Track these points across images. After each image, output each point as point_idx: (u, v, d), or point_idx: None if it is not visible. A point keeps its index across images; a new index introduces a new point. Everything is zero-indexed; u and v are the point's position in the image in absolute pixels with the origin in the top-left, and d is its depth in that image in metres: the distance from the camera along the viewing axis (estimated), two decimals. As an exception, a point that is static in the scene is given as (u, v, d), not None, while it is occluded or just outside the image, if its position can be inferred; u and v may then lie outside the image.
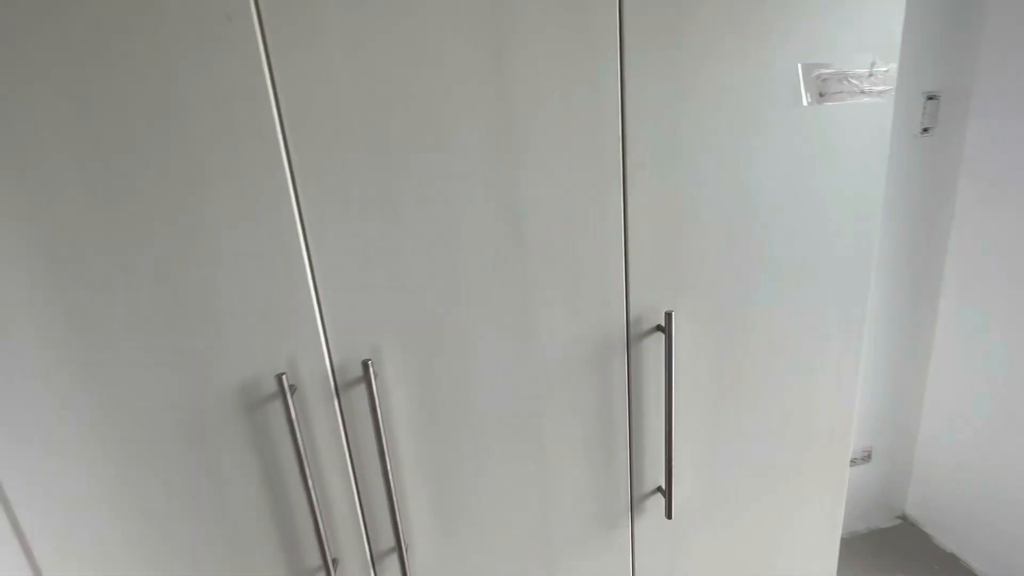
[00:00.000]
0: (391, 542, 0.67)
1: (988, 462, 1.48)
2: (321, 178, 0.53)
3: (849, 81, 0.62)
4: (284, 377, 0.56)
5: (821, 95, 0.62)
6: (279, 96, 0.50)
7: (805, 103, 0.62)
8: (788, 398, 0.75)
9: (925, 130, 1.40)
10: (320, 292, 0.56)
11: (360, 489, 0.64)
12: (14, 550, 0.58)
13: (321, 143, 0.52)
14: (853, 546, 1.71)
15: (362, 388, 0.60)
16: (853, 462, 1.69)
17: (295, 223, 0.54)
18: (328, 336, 0.58)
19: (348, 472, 0.63)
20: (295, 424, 0.57)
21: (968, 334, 1.48)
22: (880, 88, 0.63)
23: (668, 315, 0.64)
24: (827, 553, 0.86)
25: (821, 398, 0.77)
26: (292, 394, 0.57)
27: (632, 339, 0.67)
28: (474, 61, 0.53)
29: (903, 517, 1.80)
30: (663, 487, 0.72)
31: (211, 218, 0.52)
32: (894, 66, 0.63)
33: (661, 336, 0.66)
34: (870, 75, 0.62)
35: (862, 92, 0.63)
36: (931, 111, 1.38)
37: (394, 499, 0.62)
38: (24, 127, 0.47)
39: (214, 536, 0.62)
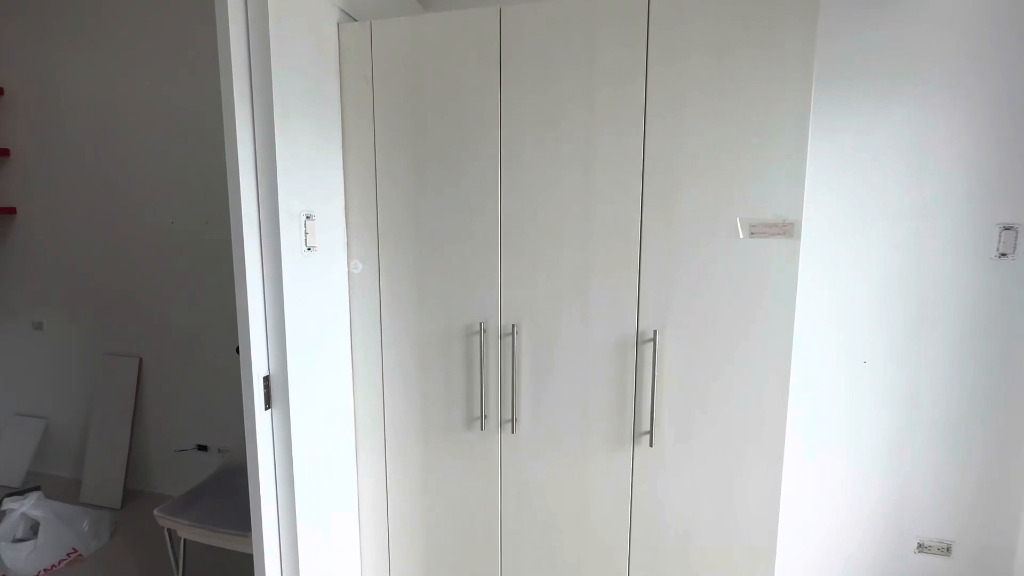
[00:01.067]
0: (510, 414, 1.43)
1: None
2: (510, 246, 1.37)
3: (767, 226, 1.21)
4: (481, 324, 1.39)
5: (753, 233, 1.22)
6: (503, 204, 1.36)
7: (741, 236, 1.23)
8: (731, 380, 1.28)
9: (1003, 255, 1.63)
10: (502, 291, 1.39)
11: (502, 384, 1.43)
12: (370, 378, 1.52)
13: (512, 228, 1.36)
14: (923, 634, 1.77)
15: (513, 337, 1.40)
16: (922, 549, 1.79)
17: (497, 262, 1.38)
18: (502, 311, 1.40)
19: (498, 374, 1.42)
20: (482, 347, 1.40)
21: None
22: (786, 229, 1.20)
23: (655, 332, 1.28)
24: (769, 477, 1.30)
25: (755, 380, 1.27)
26: (484, 332, 1.40)
27: (639, 343, 1.32)
28: (578, 189, 1.31)
29: (1002, 635, 1.77)
30: (650, 429, 1.33)
31: (470, 250, 1.39)
32: (799, 217, 1.19)
33: (652, 344, 1.31)
34: (782, 223, 1.20)
35: (778, 233, 1.21)
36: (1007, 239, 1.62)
37: (515, 393, 1.39)
38: (420, 139, 1.41)
39: (443, 386, 1.47)
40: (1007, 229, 1.63)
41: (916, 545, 1.81)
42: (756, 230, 1.22)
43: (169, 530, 1.69)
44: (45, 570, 2.01)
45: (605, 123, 1.27)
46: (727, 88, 1.20)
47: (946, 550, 1.78)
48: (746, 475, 1.30)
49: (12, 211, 2.66)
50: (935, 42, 1.60)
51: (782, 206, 1.20)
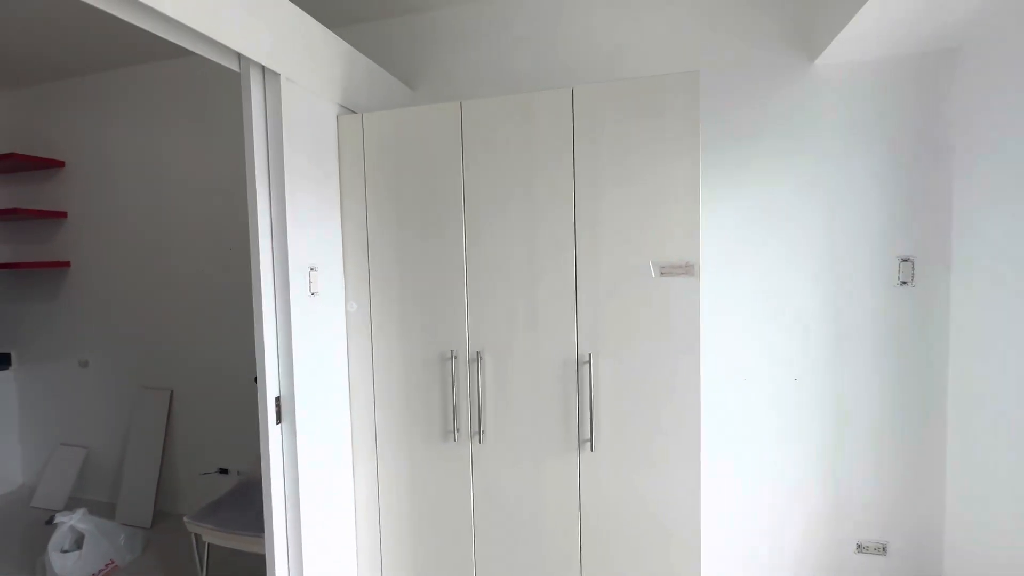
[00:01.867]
0: (477, 427, 1.71)
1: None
2: (474, 290, 1.69)
3: (673, 267, 1.51)
4: (452, 352, 1.70)
5: (662, 273, 1.53)
6: (467, 257, 1.69)
7: (653, 276, 1.53)
8: (655, 396, 1.55)
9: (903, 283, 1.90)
10: (468, 326, 1.70)
11: (471, 401, 1.72)
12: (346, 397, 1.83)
13: (475, 276, 1.68)
14: (866, 630, 1.94)
15: (477, 363, 1.70)
16: (861, 549, 1.99)
17: (463, 302, 1.70)
18: (469, 341, 1.71)
19: (467, 393, 1.72)
20: (453, 371, 1.70)
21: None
22: (688, 270, 1.50)
23: (590, 355, 1.58)
24: (688, 474, 1.54)
25: (672, 393, 1.54)
26: (454, 359, 1.71)
27: (579, 364, 1.61)
28: (526, 244, 1.63)
29: (939, 628, 1.93)
30: (590, 436, 1.60)
31: (442, 293, 1.72)
32: (697, 260, 1.49)
33: (588, 365, 1.59)
34: (684, 264, 1.50)
35: (682, 273, 1.51)
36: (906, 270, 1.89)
37: (480, 409, 1.68)
38: (401, 206, 1.75)
39: (423, 405, 1.77)
40: (904, 261, 1.90)
41: (856, 546, 2.00)
42: (665, 271, 1.52)
43: (195, 535, 1.98)
44: (87, 578, 2.30)
45: (544, 193, 1.61)
46: (635, 165, 1.53)
47: (882, 550, 1.98)
48: (670, 474, 1.56)
49: (67, 264, 3.09)
50: (831, 110, 1.93)
51: (684, 252, 1.51)
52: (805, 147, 1.96)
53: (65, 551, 2.28)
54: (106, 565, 2.37)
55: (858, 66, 1.89)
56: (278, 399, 1.59)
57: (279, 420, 1.59)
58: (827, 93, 1.93)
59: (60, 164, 3.05)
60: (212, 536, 1.94)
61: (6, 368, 3.29)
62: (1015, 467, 1.52)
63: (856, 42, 1.75)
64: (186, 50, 1.37)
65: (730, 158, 2.02)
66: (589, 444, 1.61)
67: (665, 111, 1.50)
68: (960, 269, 1.81)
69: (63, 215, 3.07)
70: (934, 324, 1.88)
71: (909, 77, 1.85)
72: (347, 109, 1.86)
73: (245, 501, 2.06)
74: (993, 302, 1.66)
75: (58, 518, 2.30)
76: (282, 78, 1.54)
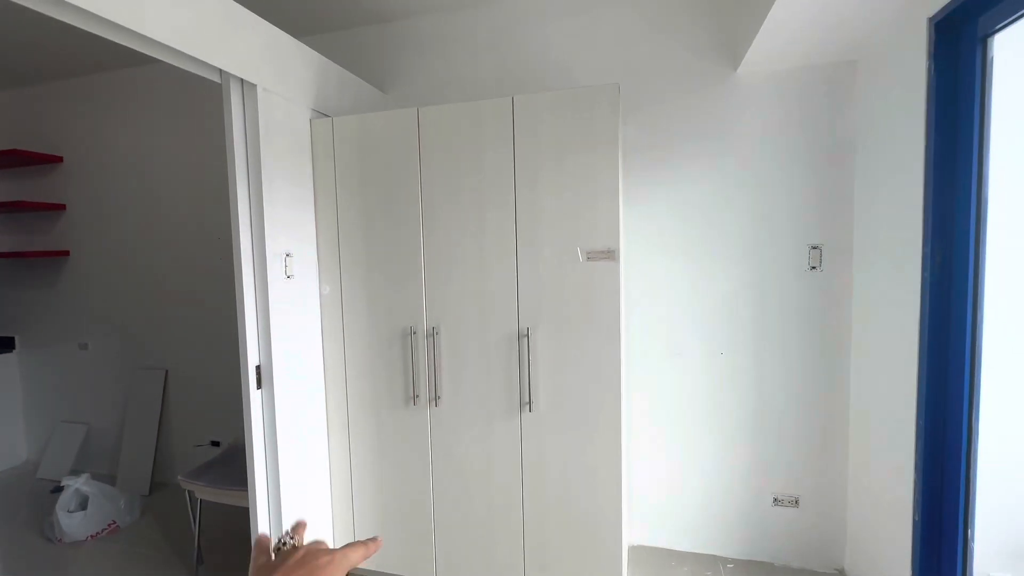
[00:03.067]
0: (434, 393, 1.96)
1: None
2: (431, 272, 1.93)
3: (597, 253, 1.76)
4: (411, 328, 1.95)
5: (589, 258, 1.77)
6: (424, 244, 1.93)
7: (581, 260, 1.78)
8: (583, 363, 1.80)
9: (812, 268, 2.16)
10: (426, 304, 1.94)
11: (428, 372, 1.97)
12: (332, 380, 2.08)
13: (432, 260, 1.93)
14: (777, 574, 2.22)
15: (434, 337, 1.95)
16: (777, 502, 2.26)
17: (421, 284, 1.94)
18: (426, 318, 1.95)
19: (425, 363, 1.96)
20: (413, 344, 1.95)
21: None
22: (610, 255, 1.74)
23: (528, 329, 1.83)
24: (611, 432, 1.80)
25: (597, 361, 1.79)
26: (414, 334, 1.95)
27: (519, 336, 1.86)
28: (474, 233, 1.88)
29: (841, 571, 2.21)
30: (529, 400, 1.86)
31: (404, 276, 1.96)
32: (618, 247, 1.73)
33: (526, 338, 1.84)
34: (607, 250, 1.75)
35: (605, 258, 1.75)
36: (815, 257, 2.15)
37: (436, 378, 1.93)
38: (368, 200, 1.99)
39: (388, 374, 2.01)
40: (814, 248, 2.16)
41: (772, 499, 2.28)
42: (591, 256, 1.77)
43: (188, 492, 2.23)
44: (92, 536, 2.55)
45: (490, 188, 1.85)
46: (567, 163, 1.77)
47: (795, 502, 2.25)
48: (599, 434, 1.82)
49: (67, 253, 3.31)
50: (751, 115, 2.17)
51: (607, 239, 1.75)
52: (728, 147, 2.20)
53: (71, 511, 2.53)
54: (108, 525, 2.62)
55: (774, 75, 2.13)
56: (258, 367, 1.83)
57: (259, 386, 1.84)
58: (748, 98, 2.17)
59: (59, 160, 3.26)
60: (203, 492, 2.19)
61: (10, 351, 3.52)
62: (901, 426, 1.77)
63: (768, 53, 1.98)
64: (174, 65, 1.59)
65: (661, 156, 2.26)
66: (528, 407, 1.86)
67: (592, 118, 1.74)
68: (859, 254, 2.07)
69: (62, 207, 3.28)
70: (839, 303, 2.14)
71: (818, 84, 2.10)
72: (320, 113, 2.09)
73: (232, 463, 2.31)
74: (883, 282, 1.91)
75: (64, 480, 2.54)
76: (259, 88, 1.76)
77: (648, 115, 2.26)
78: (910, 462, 1.66)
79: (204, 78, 1.71)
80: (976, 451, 1.50)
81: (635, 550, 2.40)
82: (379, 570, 2.08)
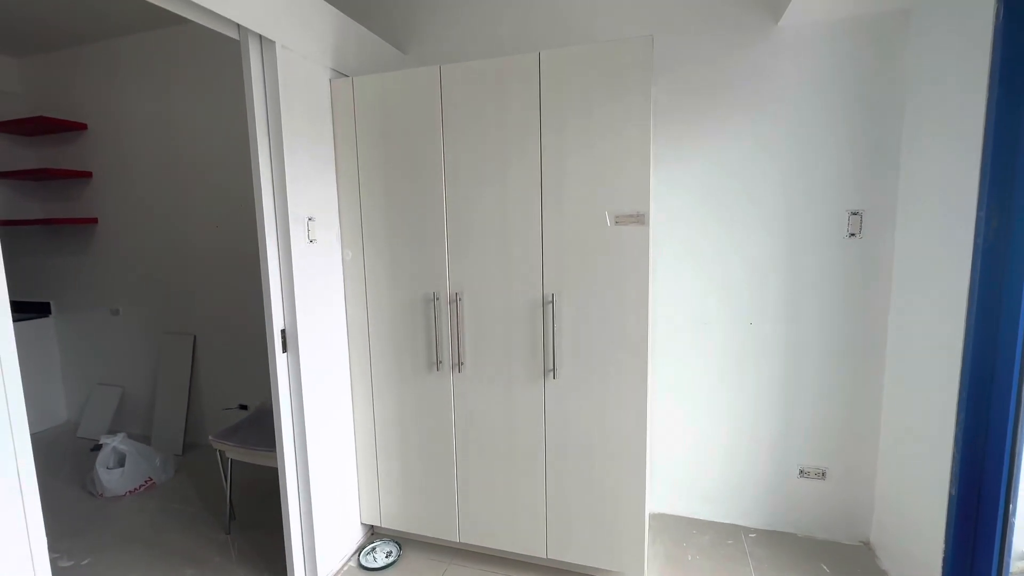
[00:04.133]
0: (457, 359, 1.96)
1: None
2: (453, 238, 1.89)
3: (626, 217, 1.70)
4: (435, 294, 1.93)
5: (617, 222, 1.71)
6: (447, 208, 1.89)
7: (609, 224, 1.72)
8: (609, 330, 1.77)
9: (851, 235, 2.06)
10: (449, 270, 1.92)
11: (452, 335, 1.95)
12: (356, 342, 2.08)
13: (455, 225, 1.89)
14: (801, 545, 2.20)
15: (457, 303, 1.93)
16: (803, 474, 2.22)
17: (444, 249, 1.91)
18: (450, 284, 1.93)
19: (448, 329, 1.95)
20: (436, 310, 1.93)
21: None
22: (639, 219, 1.68)
23: (553, 296, 1.79)
24: (636, 400, 1.78)
25: (624, 328, 1.75)
26: (437, 300, 1.94)
27: (544, 303, 1.83)
28: (498, 197, 1.83)
29: (867, 543, 2.18)
30: (553, 366, 1.83)
31: (426, 241, 1.93)
32: (647, 211, 1.67)
33: (551, 305, 1.81)
34: (636, 214, 1.68)
35: (634, 222, 1.69)
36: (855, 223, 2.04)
37: (460, 343, 1.92)
38: (389, 163, 1.96)
39: (411, 340, 2.01)
40: (854, 214, 2.05)
41: (798, 471, 2.24)
42: (619, 220, 1.71)
43: (220, 451, 2.30)
44: (130, 491, 2.66)
45: (515, 149, 1.78)
46: (596, 122, 1.69)
47: (822, 475, 2.21)
48: (624, 403, 1.79)
49: (95, 221, 3.36)
50: (792, 70, 2.04)
51: (636, 203, 1.69)
52: (765, 107, 2.08)
53: (110, 468, 2.64)
54: (145, 482, 2.73)
55: (818, 26, 1.99)
56: (283, 331, 1.84)
57: (284, 349, 1.85)
58: (789, 53, 2.04)
59: (83, 127, 3.27)
60: (233, 452, 2.25)
61: (47, 316, 3.64)
62: (937, 405, 1.70)
63: (814, 2, 1.85)
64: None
65: (693, 117, 2.15)
66: (552, 373, 1.84)
67: (623, 73, 1.65)
68: (903, 220, 1.96)
69: (88, 175, 3.32)
70: (878, 272, 2.04)
71: (865, 37, 1.95)
72: (339, 73, 2.03)
73: (261, 424, 2.37)
74: (931, 249, 1.81)
75: (103, 439, 2.64)
76: (278, 46, 1.71)
77: (680, 73, 2.15)
78: (949, 434, 1.60)
79: (225, 39, 1.67)
80: (1023, 423, 1.44)
81: (656, 517, 2.40)
82: (404, 530, 2.13)
